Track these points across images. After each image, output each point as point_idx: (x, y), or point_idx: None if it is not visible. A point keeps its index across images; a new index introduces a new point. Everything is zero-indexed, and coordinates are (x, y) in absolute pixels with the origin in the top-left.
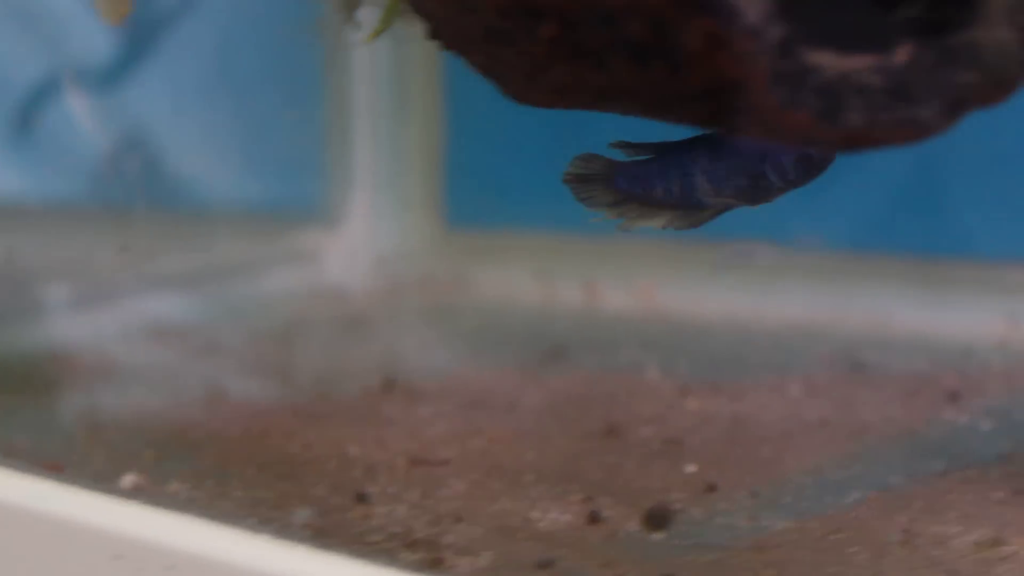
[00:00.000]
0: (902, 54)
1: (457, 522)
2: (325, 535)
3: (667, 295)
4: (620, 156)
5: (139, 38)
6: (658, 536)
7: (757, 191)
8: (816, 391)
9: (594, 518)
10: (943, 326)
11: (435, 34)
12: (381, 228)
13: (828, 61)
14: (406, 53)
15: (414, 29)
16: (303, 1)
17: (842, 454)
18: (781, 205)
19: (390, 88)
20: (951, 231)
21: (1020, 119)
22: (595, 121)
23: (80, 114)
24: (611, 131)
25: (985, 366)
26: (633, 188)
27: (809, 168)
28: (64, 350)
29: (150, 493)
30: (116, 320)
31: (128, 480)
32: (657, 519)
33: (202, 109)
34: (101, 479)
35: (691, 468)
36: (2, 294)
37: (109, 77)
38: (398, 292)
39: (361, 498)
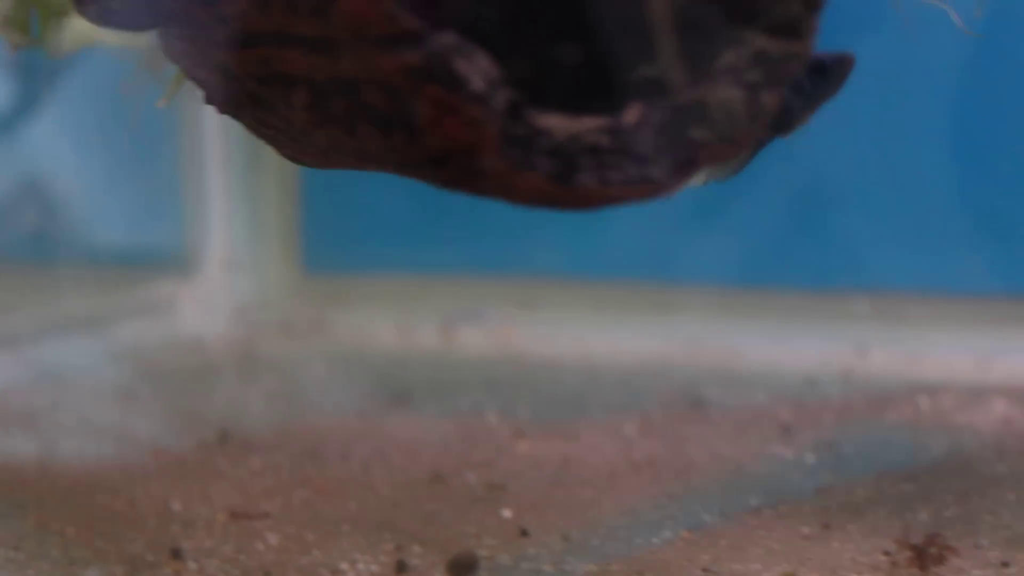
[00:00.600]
0: (631, 114)
1: None
2: None
3: (524, 335)
4: None
5: (28, 89)
6: None
7: (780, 116)
8: (651, 430)
9: (401, 567)
10: (788, 359)
11: (209, 99)
12: (239, 276)
13: (558, 123)
14: None
15: None
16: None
17: (662, 494)
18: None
19: (244, 136)
20: (800, 263)
21: (853, 155)
22: None
23: None
24: None
25: (825, 398)
26: None
27: (825, 76)
28: None
29: None
30: None
31: None
32: (461, 566)
33: (56, 160)
34: None
35: (507, 513)
36: None
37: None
38: (255, 341)
39: (175, 554)
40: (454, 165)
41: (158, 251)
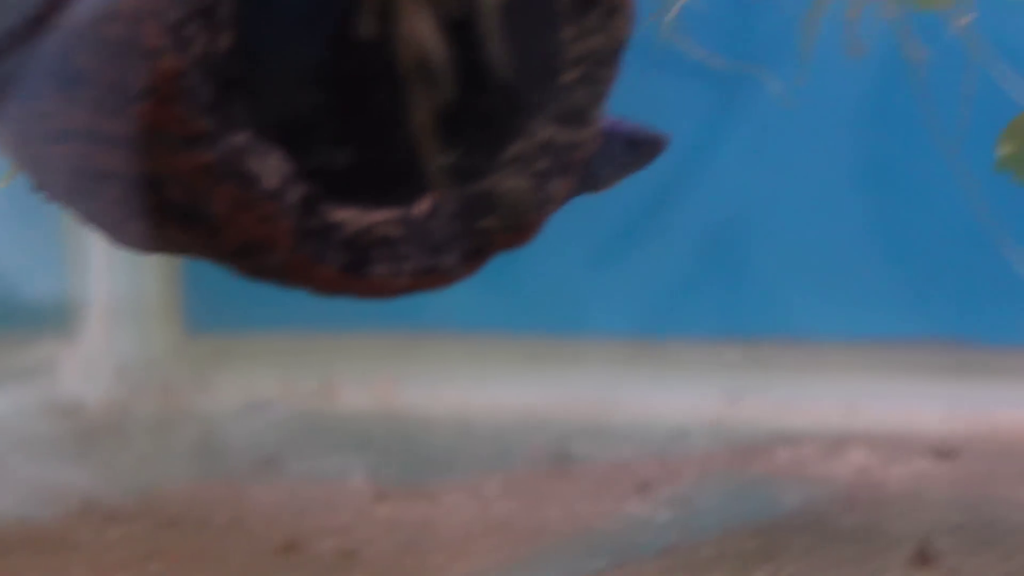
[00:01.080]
0: (422, 205)
1: None
2: None
3: (406, 392)
4: None
5: None
6: None
7: (587, 180)
8: (512, 489)
9: None
10: (659, 410)
11: (38, 186)
12: (120, 336)
13: (350, 216)
14: None
15: None
16: None
17: (512, 558)
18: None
19: None
20: (672, 312)
21: (728, 205)
22: None
23: None
24: None
25: (690, 450)
26: None
27: (637, 151)
28: None
29: None
30: None
31: None
32: None
33: None
34: None
35: None
36: None
37: None
38: (134, 403)
39: None
40: (254, 258)
41: (38, 308)
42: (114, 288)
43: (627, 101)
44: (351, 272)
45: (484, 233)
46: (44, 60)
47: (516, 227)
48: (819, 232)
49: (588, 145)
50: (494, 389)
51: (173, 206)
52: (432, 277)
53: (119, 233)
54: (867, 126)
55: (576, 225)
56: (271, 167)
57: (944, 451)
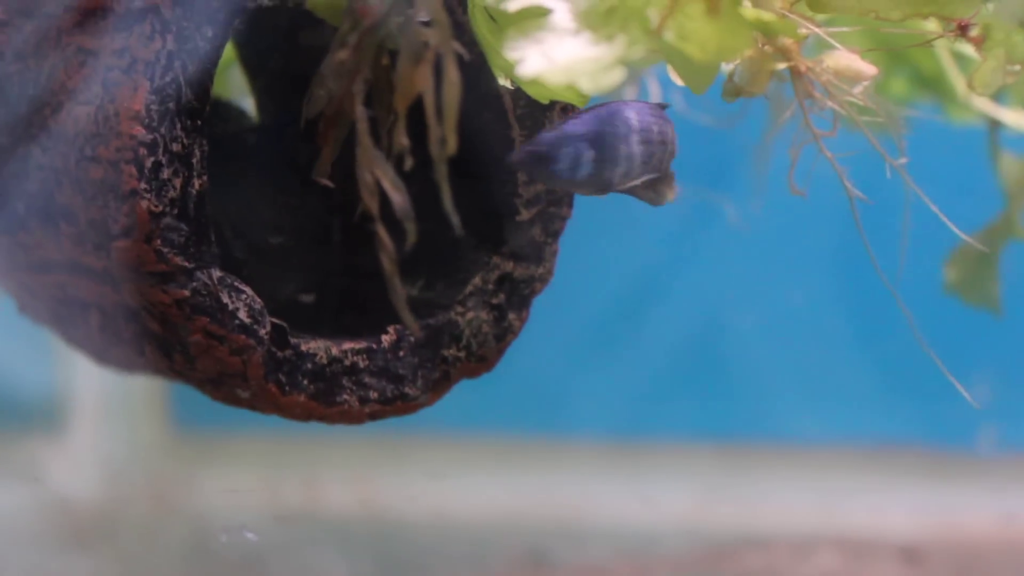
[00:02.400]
0: (388, 337)
1: None
2: None
3: (386, 493)
4: None
5: None
6: None
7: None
8: None
9: None
10: (635, 512)
11: (22, 308)
12: (107, 433)
13: (319, 347)
14: None
15: None
16: None
17: None
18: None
19: None
20: (649, 414)
21: (700, 310)
22: None
23: None
24: None
25: (664, 552)
26: None
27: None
28: None
29: None
30: None
31: None
32: None
33: None
34: None
35: None
36: None
37: None
38: (122, 501)
39: None
40: (227, 386)
41: (26, 404)
42: (101, 385)
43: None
44: (320, 401)
45: (447, 362)
46: (29, 195)
47: (478, 357)
48: (793, 337)
49: (543, 281)
50: (473, 490)
51: (152, 336)
52: (398, 405)
53: (102, 357)
54: (836, 234)
55: (554, 327)
56: (243, 301)
57: (913, 556)
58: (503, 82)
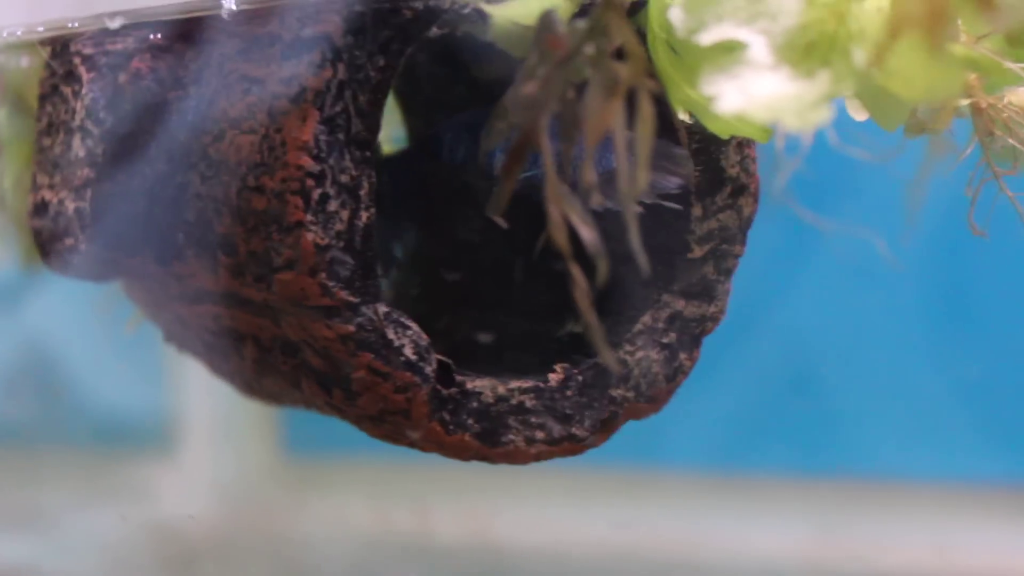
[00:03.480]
0: (555, 376)
1: None
2: None
3: (500, 523)
4: None
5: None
6: None
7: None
8: None
9: None
10: (751, 547)
11: (167, 338)
12: (218, 457)
13: (485, 386)
14: None
15: None
16: None
17: None
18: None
19: None
20: (769, 447)
21: (826, 335)
22: None
23: None
24: None
25: None
26: None
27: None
28: None
29: None
30: None
31: None
32: None
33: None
34: None
35: None
36: None
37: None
38: (232, 526)
39: None
40: (389, 424)
41: (138, 426)
42: (213, 408)
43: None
44: (485, 441)
45: (615, 402)
46: (186, 225)
47: (647, 397)
48: (906, 372)
49: (716, 318)
50: (585, 521)
51: (311, 370)
52: (565, 446)
53: (251, 388)
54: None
55: None
56: (409, 338)
57: None
58: (681, 115)
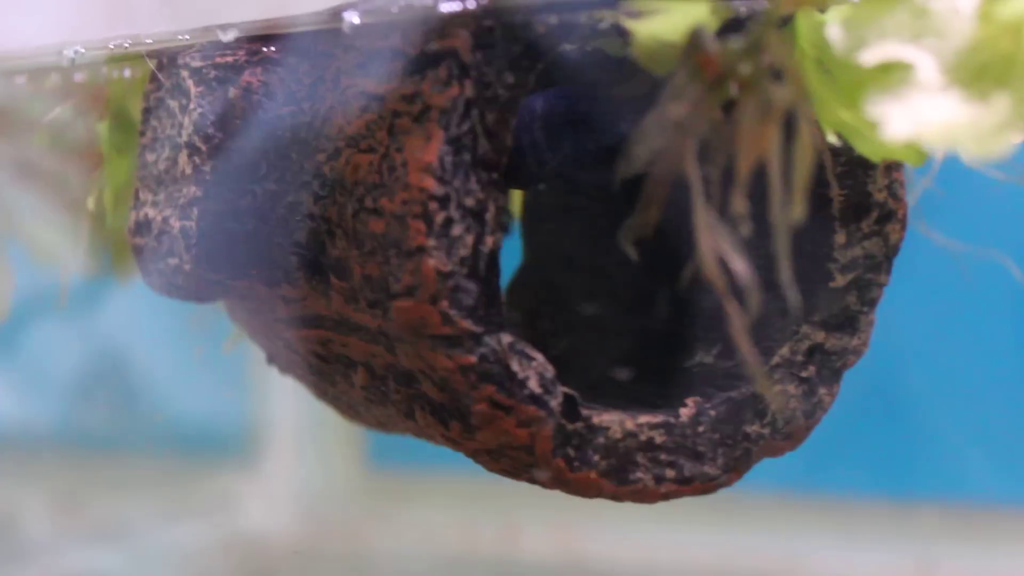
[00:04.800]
0: (687, 411)
1: None
2: None
3: (588, 540)
4: None
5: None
6: None
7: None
8: None
9: None
10: (850, 572)
11: (270, 360)
12: (302, 469)
13: (613, 420)
14: None
15: None
16: None
17: None
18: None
19: None
20: (867, 469)
21: (921, 356)
22: None
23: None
24: None
25: None
26: None
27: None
28: None
29: None
30: None
31: None
32: None
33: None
34: None
35: None
36: None
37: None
38: (316, 541)
39: None
40: (510, 458)
41: (222, 437)
42: (297, 419)
43: None
44: (612, 479)
45: (750, 439)
46: (298, 246)
47: (784, 435)
48: (1010, 398)
49: (858, 351)
50: (674, 541)
51: (427, 400)
52: (696, 486)
53: (357, 414)
54: None
55: None
56: (534, 370)
57: None
58: (830, 137)
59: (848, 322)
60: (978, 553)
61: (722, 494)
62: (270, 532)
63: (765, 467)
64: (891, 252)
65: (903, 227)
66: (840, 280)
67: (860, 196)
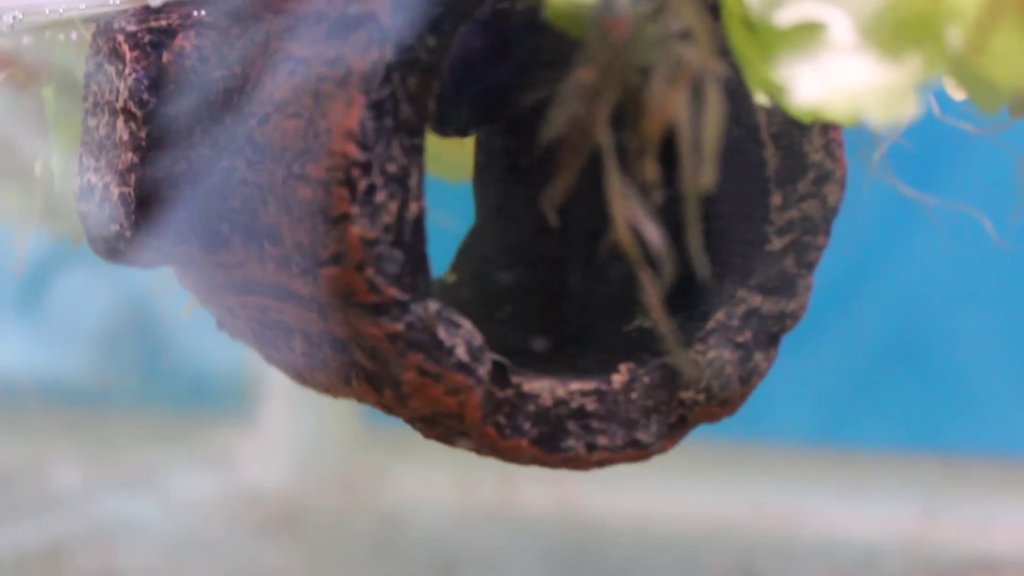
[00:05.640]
0: (619, 377)
1: None
2: None
3: (586, 495)
4: None
5: None
6: None
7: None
8: None
9: None
10: (850, 526)
11: (219, 326)
12: (299, 423)
13: (543, 387)
14: None
15: None
16: None
17: None
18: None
19: None
20: (869, 422)
21: (926, 310)
22: None
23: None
24: None
25: (884, 572)
26: None
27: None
28: None
29: None
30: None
31: None
32: None
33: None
34: None
35: None
36: None
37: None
38: (313, 495)
39: None
40: (442, 426)
41: (219, 390)
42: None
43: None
44: (543, 446)
45: (685, 406)
46: (232, 212)
47: (718, 400)
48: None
49: (796, 315)
50: (676, 495)
51: (360, 368)
52: (629, 453)
53: (304, 380)
54: None
55: None
56: (462, 337)
57: None
58: (760, 98)
59: (785, 286)
60: (977, 505)
61: (723, 448)
62: (265, 486)
63: (764, 419)
64: (829, 214)
65: (842, 188)
66: (777, 243)
67: (796, 157)
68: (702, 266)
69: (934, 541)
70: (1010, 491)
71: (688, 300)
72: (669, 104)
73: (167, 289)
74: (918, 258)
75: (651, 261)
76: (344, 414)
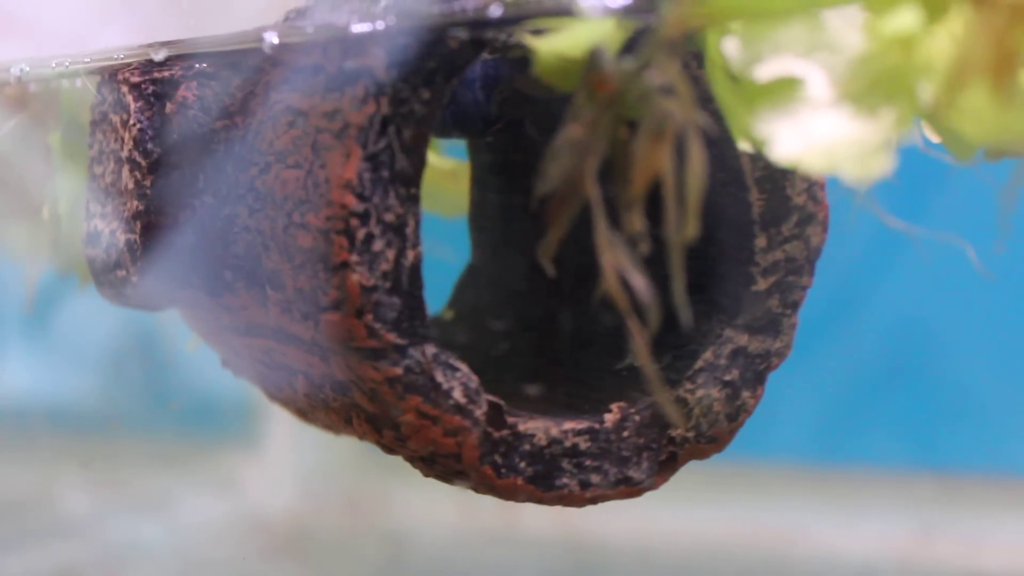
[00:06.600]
0: (611, 416)
1: None
2: None
3: (587, 515)
4: None
5: None
6: None
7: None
8: None
9: None
10: (847, 543)
11: (224, 364)
12: (303, 445)
13: (538, 427)
14: None
15: None
16: None
17: None
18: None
19: None
20: (865, 440)
21: (920, 332)
22: None
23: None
24: None
25: None
26: None
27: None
28: None
29: None
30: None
31: None
32: None
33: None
34: None
35: None
36: None
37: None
38: (318, 517)
39: None
40: (440, 465)
41: (223, 414)
42: None
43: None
44: (538, 485)
45: (675, 443)
46: (236, 258)
47: (708, 438)
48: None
49: (781, 354)
50: (675, 515)
51: (361, 409)
52: (621, 490)
53: (306, 418)
54: None
55: None
56: (459, 380)
57: None
58: (742, 144)
59: (771, 325)
60: (971, 522)
61: (720, 468)
62: (273, 511)
63: (765, 441)
64: (812, 255)
65: (824, 229)
66: (762, 284)
67: (780, 200)
68: (685, 315)
69: (930, 559)
70: (1006, 509)
71: (677, 338)
72: (655, 160)
73: (173, 317)
74: (913, 279)
75: (639, 308)
76: (348, 438)
